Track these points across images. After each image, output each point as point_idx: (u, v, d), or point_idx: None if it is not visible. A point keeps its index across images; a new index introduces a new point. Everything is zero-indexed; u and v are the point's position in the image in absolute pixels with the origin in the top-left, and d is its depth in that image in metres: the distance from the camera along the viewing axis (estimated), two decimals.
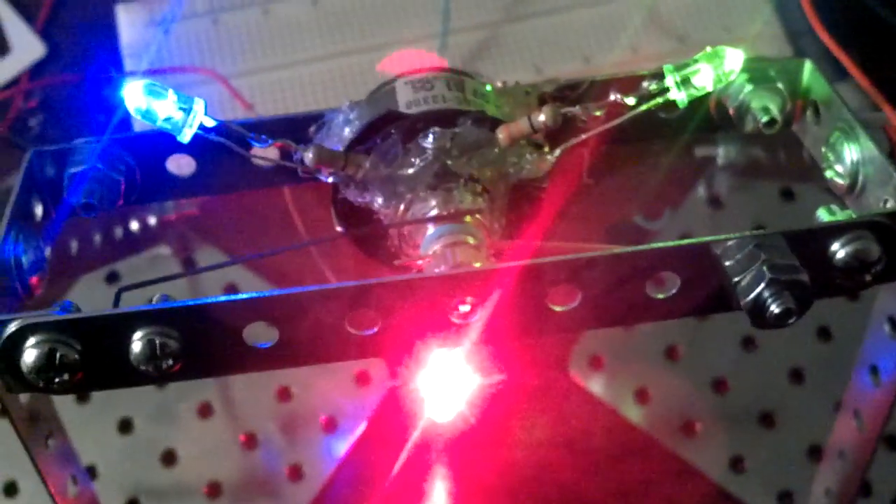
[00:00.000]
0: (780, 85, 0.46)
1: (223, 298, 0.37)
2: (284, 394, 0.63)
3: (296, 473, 0.61)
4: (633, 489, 0.61)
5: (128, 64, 0.68)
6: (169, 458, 0.62)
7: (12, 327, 0.37)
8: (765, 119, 0.45)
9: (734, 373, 0.63)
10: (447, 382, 0.49)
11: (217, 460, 0.61)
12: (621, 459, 0.62)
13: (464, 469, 0.61)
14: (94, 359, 0.37)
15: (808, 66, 0.46)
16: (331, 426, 0.62)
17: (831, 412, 0.59)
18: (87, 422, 0.62)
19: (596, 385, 0.63)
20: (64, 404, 0.48)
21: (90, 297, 0.38)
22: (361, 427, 0.62)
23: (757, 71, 0.46)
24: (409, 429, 0.56)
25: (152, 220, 0.66)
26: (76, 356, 0.37)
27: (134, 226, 0.66)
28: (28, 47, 0.71)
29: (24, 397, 0.44)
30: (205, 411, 0.63)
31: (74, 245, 0.64)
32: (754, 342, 0.63)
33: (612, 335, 0.64)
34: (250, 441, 0.62)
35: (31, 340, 0.37)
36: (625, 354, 0.64)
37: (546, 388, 0.63)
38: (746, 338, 0.64)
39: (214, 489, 0.61)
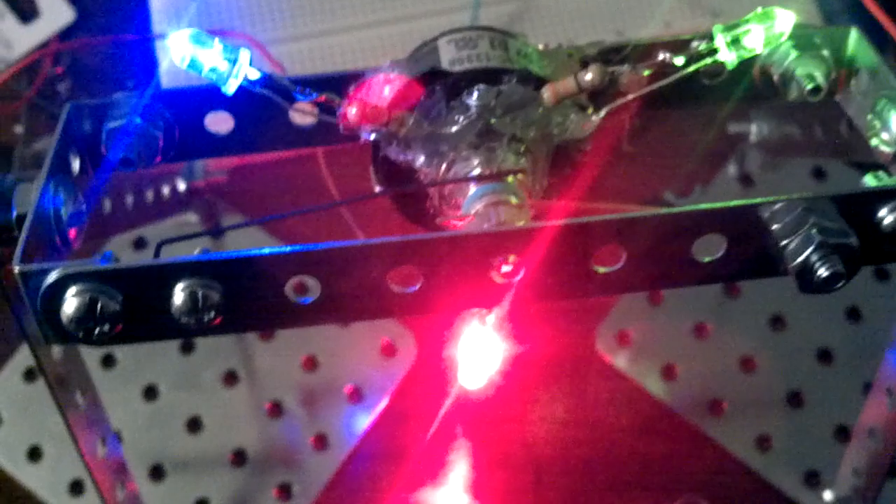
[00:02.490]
0: (825, 52, 0.45)
1: (267, 251, 0.36)
2: (310, 363, 0.63)
3: (320, 442, 0.61)
4: (659, 466, 0.61)
5: (158, 29, 0.68)
6: (194, 425, 0.62)
7: (53, 276, 0.36)
8: (810, 86, 0.44)
9: (762, 351, 0.63)
10: (476, 352, 0.49)
11: (242, 428, 0.62)
12: (647, 436, 0.61)
13: (488, 441, 0.60)
14: (134, 310, 0.37)
15: (853, 34, 0.46)
16: (356, 396, 0.62)
17: (860, 393, 0.59)
18: (112, 388, 0.62)
19: (623, 361, 0.63)
20: (90, 370, 0.48)
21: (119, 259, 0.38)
22: (386, 398, 0.62)
23: (802, 38, 0.45)
24: (434, 400, 0.56)
25: (182, 187, 0.65)
26: (117, 307, 0.37)
27: (164, 191, 0.65)
28: (57, 12, 0.71)
29: (56, 356, 0.44)
30: (230, 379, 0.63)
31: (105, 207, 0.64)
32: (783, 321, 0.63)
33: (641, 310, 0.64)
34: (275, 409, 0.62)
35: (73, 290, 0.36)
36: (652, 331, 0.63)
37: (573, 364, 0.63)
38: (775, 317, 0.63)
39: (239, 457, 0.61)
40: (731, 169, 0.66)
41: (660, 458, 0.61)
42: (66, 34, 0.71)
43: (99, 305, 0.36)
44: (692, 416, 0.62)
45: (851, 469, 0.54)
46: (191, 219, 0.65)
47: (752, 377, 0.62)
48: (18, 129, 0.68)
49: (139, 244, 0.64)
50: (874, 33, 0.60)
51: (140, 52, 0.68)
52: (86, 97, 0.68)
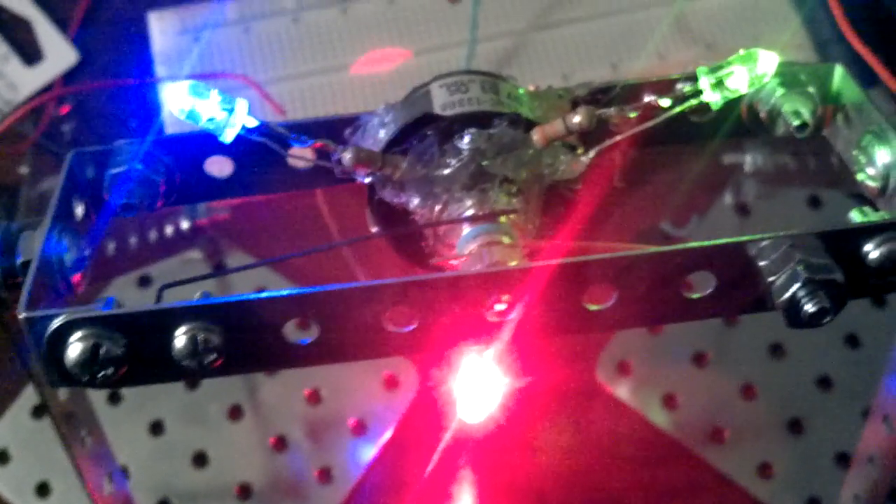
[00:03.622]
0: (811, 89, 0.46)
1: (266, 294, 0.37)
2: (314, 397, 0.63)
3: (325, 476, 0.62)
4: (660, 495, 0.61)
5: (160, 71, 0.69)
6: (200, 459, 0.62)
7: (58, 322, 0.37)
8: (796, 123, 0.45)
9: (762, 379, 0.63)
10: (477, 385, 0.50)
11: (247, 462, 0.62)
12: (648, 465, 0.62)
13: (492, 473, 0.61)
14: (137, 354, 0.38)
15: (838, 71, 0.46)
16: (360, 429, 0.62)
17: (859, 419, 0.59)
18: (118, 423, 0.62)
19: (623, 390, 0.64)
20: (96, 406, 0.49)
21: (123, 298, 0.39)
22: (390, 430, 0.62)
23: (788, 75, 0.46)
24: (437, 432, 0.56)
25: (184, 225, 0.66)
26: (120, 351, 0.37)
27: (166, 230, 0.66)
28: (61, 54, 0.72)
29: (62, 395, 0.45)
30: (235, 413, 0.63)
31: (108, 247, 0.65)
32: (782, 349, 0.64)
33: (640, 340, 0.64)
34: (280, 443, 0.62)
35: (76, 335, 0.37)
36: (653, 360, 0.64)
37: (574, 394, 0.63)
38: (774, 344, 0.64)
39: (245, 491, 0.61)
40: (727, 199, 0.67)
41: (662, 486, 0.61)
42: (70, 76, 0.72)
43: (102, 350, 0.37)
44: (694, 444, 0.62)
45: (852, 495, 0.55)
46: (194, 256, 0.66)
47: (753, 405, 0.63)
48: (24, 170, 0.69)
49: (143, 282, 0.65)
50: (864, 63, 0.61)
51: (143, 93, 0.69)
52: (90, 138, 0.70)
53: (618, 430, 0.63)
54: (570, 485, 0.61)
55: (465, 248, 0.41)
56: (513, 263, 0.39)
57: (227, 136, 0.41)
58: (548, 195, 0.44)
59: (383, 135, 0.44)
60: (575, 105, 0.45)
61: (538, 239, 0.44)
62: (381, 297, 0.38)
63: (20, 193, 0.68)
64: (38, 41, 0.73)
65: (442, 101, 0.43)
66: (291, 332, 0.39)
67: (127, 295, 0.63)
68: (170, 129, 0.64)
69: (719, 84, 0.42)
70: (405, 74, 0.68)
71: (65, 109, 0.72)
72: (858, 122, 0.45)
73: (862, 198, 0.45)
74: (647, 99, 0.43)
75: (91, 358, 0.37)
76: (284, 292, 0.37)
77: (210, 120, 0.40)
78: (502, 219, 0.42)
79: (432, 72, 0.46)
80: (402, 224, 0.45)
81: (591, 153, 0.43)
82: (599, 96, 0.46)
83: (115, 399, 0.64)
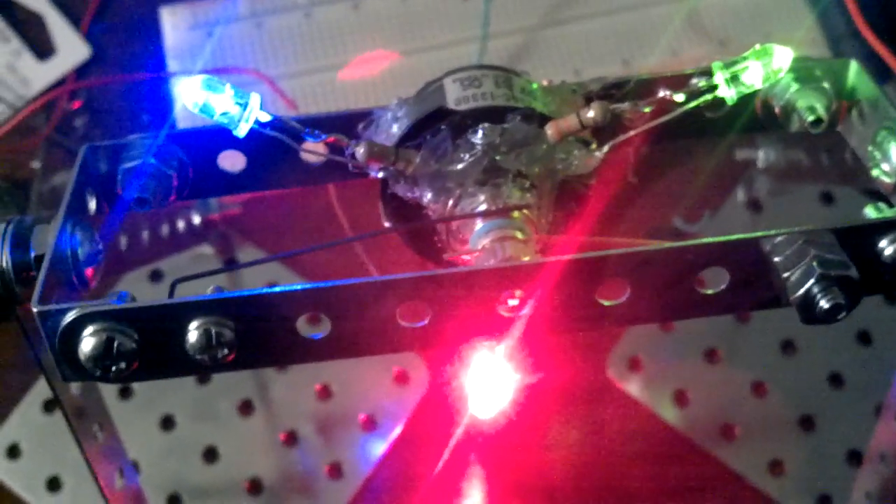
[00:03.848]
0: (825, 84, 0.46)
1: (279, 289, 0.37)
2: (324, 392, 0.63)
3: (335, 471, 0.61)
4: (671, 491, 0.61)
5: (172, 66, 0.69)
6: (210, 455, 0.62)
7: (71, 316, 0.37)
8: (811, 118, 0.45)
9: (774, 376, 0.63)
10: (488, 381, 0.50)
11: (258, 458, 0.62)
12: (659, 462, 0.62)
13: (501, 469, 0.61)
14: (150, 348, 0.38)
15: (853, 66, 0.46)
16: (370, 425, 0.62)
17: (871, 416, 0.59)
18: (129, 419, 0.62)
19: (634, 387, 0.63)
20: (107, 400, 0.49)
21: (135, 293, 0.39)
22: (400, 426, 0.62)
23: (803, 71, 0.46)
24: (448, 428, 0.56)
25: (196, 220, 0.67)
26: (133, 345, 0.37)
27: (178, 225, 0.67)
28: (73, 49, 0.72)
29: (74, 390, 0.45)
30: (245, 409, 0.63)
31: (120, 242, 0.65)
32: (794, 346, 0.63)
33: (652, 337, 0.64)
34: (290, 439, 0.62)
35: (89, 329, 0.37)
36: (664, 356, 0.64)
37: (584, 390, 0.63)
38: (786, 341, 0.64)
39: (255, 486, 0.61)
40: (740, 195, 0.67)
41: (673, 483, 0.61)
42: (82, 71, 0.72)
43: (115, 344, 0.37)
44: (705, 441, 0.62)
45: (864, 493, 0.54)
46: (206, 251, 0.66)
47: (764, 402, 0.63)
48: (36, 164, 0.69)
49: (155, 277, 0.65)
50: (878, 59, 0.61)
51: (155, 88, 0.69)
52: (102, 132, 0.70)
53: (628, 427, 0.62)
54: (580, 481, 0.61)
55: (478, 243, 0.41)
56: (526, 258, 0.39)
57: (241, 131, 0.41)
58: (561, 190, 0.44)
59: (396, 129, 0.44)
60: (588, 100, 0.45)
61: (551, 234, 0.44)
62: (393, 293, 0.38)
63: (32, 188, 0.68)
64: (51, 36, 0.73)
65: (455, 96, 0.43)
66: (303, 327, 0.39)
67: (138, 290, 0.62)
68: (182, 125, 0.64)
69: (734, 79, 0.42)
70: (418, 70, 0.68)
71: (77, 104, 0.72)
72: (873, 118, 0.45)
73: (876, 194, 0.45)
74: (661, 94, 0.43)
75: (104, 352, 0.37)
76: (298, 287, 0.37)
77: (224, 114, 0.40)
78: (515, 214, 0.42)
79: (444, 67, 0.46)
80: (414, 219, 0.45)
81: (605, 148, 0.43)
82: (613, 91, 0.46)
83: (126, 394, 0.64)
